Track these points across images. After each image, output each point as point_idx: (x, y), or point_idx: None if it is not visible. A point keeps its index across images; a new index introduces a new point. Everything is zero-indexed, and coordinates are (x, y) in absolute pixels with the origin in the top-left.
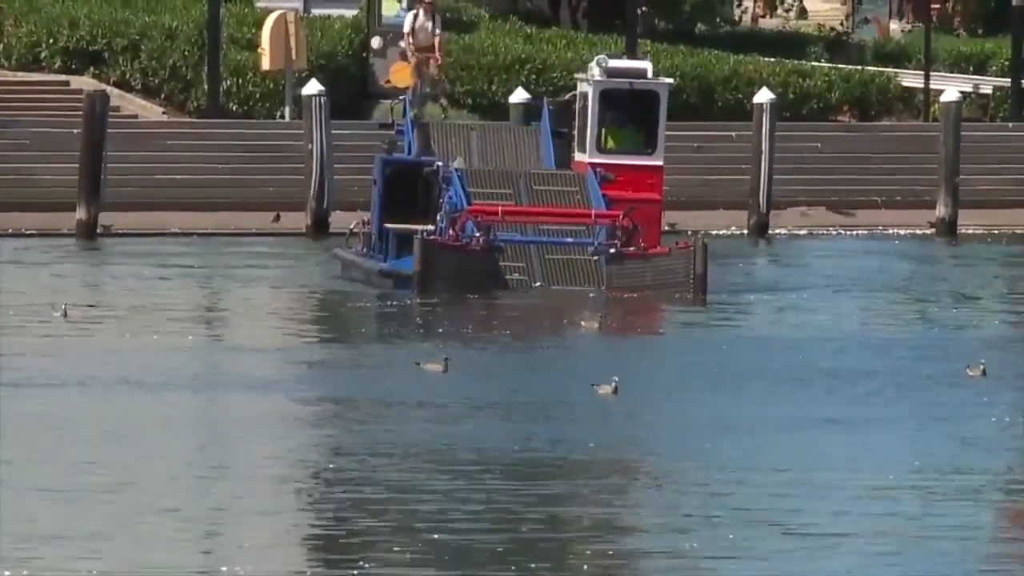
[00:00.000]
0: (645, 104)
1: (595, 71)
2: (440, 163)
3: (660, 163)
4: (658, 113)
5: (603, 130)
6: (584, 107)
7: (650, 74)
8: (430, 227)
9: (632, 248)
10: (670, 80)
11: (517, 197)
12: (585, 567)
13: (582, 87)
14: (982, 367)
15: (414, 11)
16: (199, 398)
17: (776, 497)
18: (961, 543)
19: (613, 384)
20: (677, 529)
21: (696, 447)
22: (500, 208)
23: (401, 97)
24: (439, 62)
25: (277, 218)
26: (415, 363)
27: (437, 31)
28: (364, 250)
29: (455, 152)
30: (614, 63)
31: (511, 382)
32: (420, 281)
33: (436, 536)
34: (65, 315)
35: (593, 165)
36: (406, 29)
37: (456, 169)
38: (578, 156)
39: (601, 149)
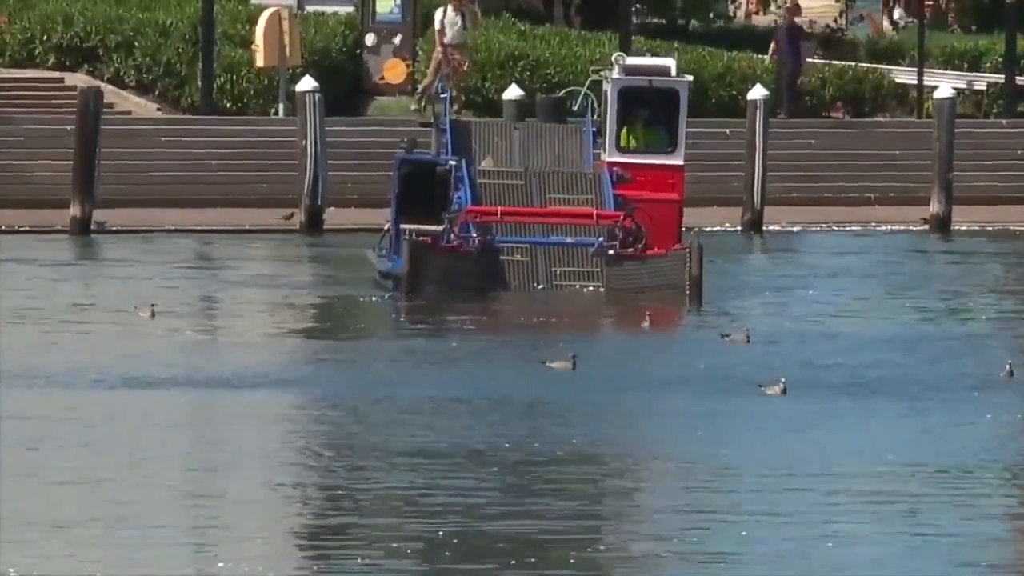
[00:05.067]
0: (665, 102)
1: (615, 69)
2: (453, 162)
3: (681, 162)
4: (678, 111)
5: (623, 129)
6: (605, 106)
7: (673, 72)
8: (425, 227)
9: (629, 249)
10: (690, 77)
11: (528, 198)
12: None
13: (604, 85)
14: (1009, 367)
15: (443, 7)
16: (341, 390)
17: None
18: None
19: (781, 384)
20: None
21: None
22: (499, 209)
23: (443, 95)
24: (464, 65)
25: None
26: (541, 362)
27: (467, 28)
28: (387, 250)
29: (496, 151)
30: (632, 60)
31: (656, 383)
32: (409, 283)
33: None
34: (152, 316)
35: (611, 164)
36: (436, 26)
37: (467, 168)
38: (602, 155)
39: (620, 148)
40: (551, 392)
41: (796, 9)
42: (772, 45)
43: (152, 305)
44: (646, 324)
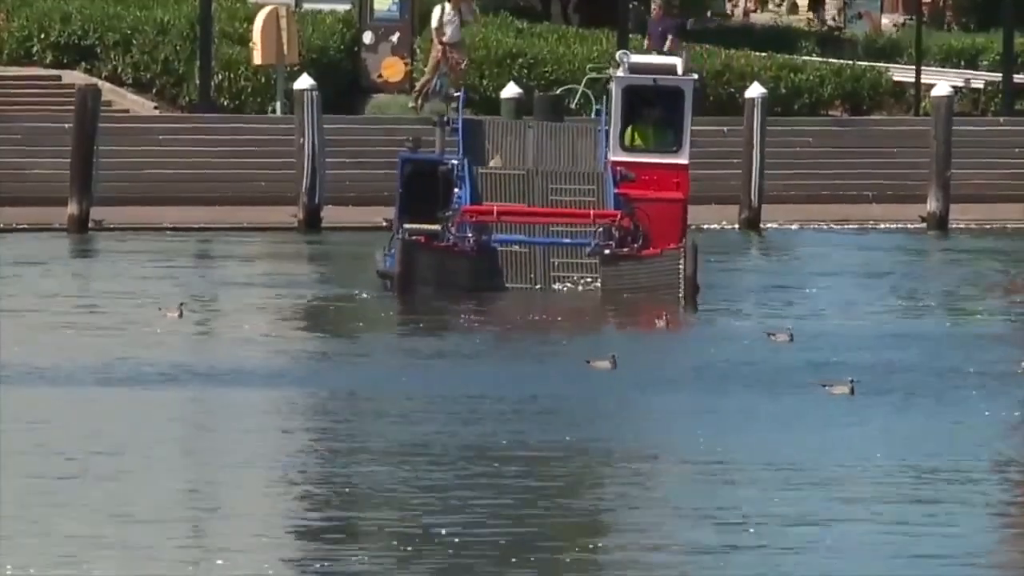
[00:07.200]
0: (670, 101)
1: (620, 67)
2: (455, 161)
3: (685, 161)
4: (683, 110)
5: (628, 128)
6: (609, 104)
7: (679, 70)
8: (425, 227)
9: (625, 249)
10: (695, 76)
11: (530, 195)
12: None
13: (609, 84)
14: None
15: (440, 5)
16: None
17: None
18: None
19: (850, 384)
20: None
21: None
22: (495, 209)
23: (457, 94)
24: (463, 64)
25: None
26: (585, 361)
27: (465, 23)
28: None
29: (510, 150)
30: (636, 59)
31: (706, 382)
32: (401, 282)
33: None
34: (181, 315)
35: (615, 163)
36: (434, 24)
37: (468, 167)
38: (607, 154)
39: (625, 147)
40: (595, 391)
41: (667, 7)
42: (647, 40)
43: (181, 304)
44: (661, 323)
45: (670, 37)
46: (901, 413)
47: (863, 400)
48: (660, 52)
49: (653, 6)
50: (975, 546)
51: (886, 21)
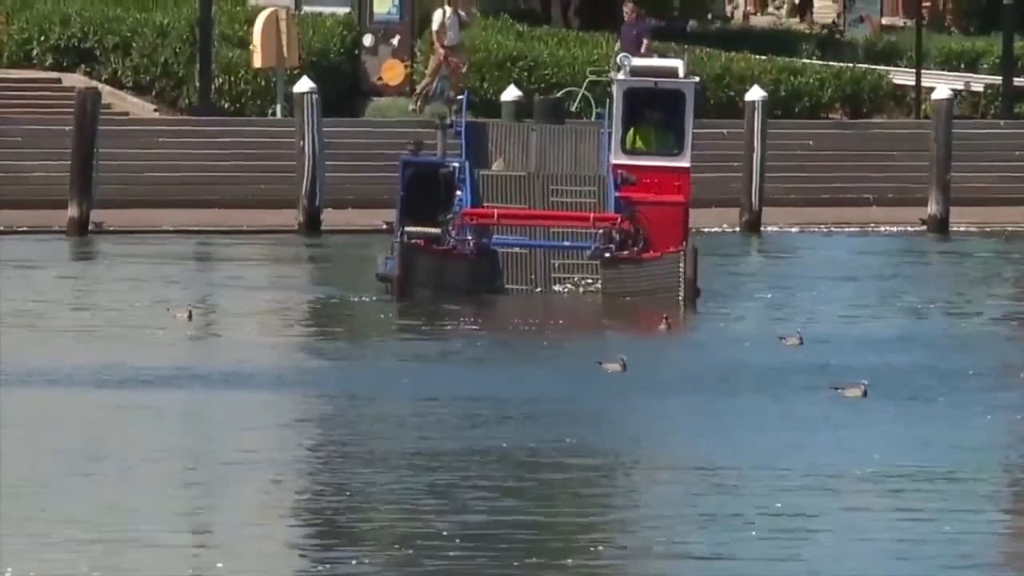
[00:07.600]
0: (671, 104)
1: (621, 70)
2: (456, 164)
3: (687, 164)
4: (684, 113)
5: (629, 131)
6: (611, 107)
7: (681, 73)
8: (425, 230)
9: (625, 252)
10: (696, 79)
11: (531, 198)
12: None
13: (611, 86)
14: None
15: (442, 9)
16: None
17: None
18: None
19: (862, 387)
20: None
21: None
22: (496, 212)
23: (460, 96)
24: (463, 67)
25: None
26: (597, 363)
27: (464, 26)
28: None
29: (512, 153)
30: (637, 61)
31: (717, 385)
32: (400, 285)
33: None
34: (190, 317)
35: (616, 166)
36: (435, 27)
37: (469, 170)
38: (611, 157)
39: (626, 150)
40: (607, 394)
41: (635, 9)
42: (618, 44)
43: (189, 305)
44: (663, 327)
45: (645, 41)
46: (911, 416)
47: (874, 403)
48: (630, 48)
49: (625, 10)
50: (976, 546)
51: (886, 23)
